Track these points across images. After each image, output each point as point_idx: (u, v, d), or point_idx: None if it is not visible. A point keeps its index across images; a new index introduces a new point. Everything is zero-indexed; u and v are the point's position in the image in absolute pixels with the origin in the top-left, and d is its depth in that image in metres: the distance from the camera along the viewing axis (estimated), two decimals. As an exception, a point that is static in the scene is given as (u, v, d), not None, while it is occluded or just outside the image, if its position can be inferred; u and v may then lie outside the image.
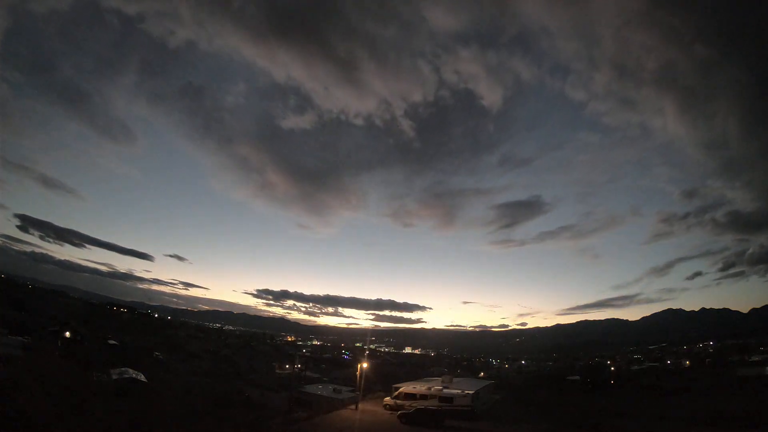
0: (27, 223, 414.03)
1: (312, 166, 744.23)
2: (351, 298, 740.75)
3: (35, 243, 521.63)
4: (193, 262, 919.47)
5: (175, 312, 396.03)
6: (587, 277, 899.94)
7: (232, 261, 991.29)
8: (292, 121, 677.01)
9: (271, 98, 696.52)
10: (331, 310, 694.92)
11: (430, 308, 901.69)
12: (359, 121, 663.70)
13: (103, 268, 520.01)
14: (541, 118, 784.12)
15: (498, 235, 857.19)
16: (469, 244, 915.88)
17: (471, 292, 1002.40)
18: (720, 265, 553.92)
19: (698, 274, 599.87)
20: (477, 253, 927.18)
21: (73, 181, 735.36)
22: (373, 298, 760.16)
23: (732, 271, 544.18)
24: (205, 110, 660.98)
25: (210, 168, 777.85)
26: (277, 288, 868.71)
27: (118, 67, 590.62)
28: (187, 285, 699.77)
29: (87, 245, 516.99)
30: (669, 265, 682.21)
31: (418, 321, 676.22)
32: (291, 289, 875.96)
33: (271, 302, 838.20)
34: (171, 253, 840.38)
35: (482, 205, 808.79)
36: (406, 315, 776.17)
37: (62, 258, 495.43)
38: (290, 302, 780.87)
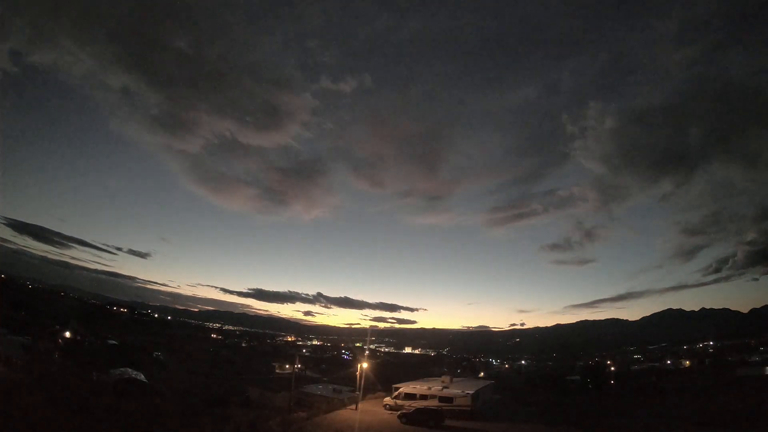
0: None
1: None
2: (307, 294, 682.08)
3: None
4: (157, 256, 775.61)
5: (176, 312, 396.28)
6: (594, 269, 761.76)
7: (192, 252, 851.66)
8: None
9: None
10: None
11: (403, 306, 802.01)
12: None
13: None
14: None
15: (506, 195, 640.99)
16: (464, 216, 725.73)
17: (466, 287, 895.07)
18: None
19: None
20: (473, 231, 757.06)
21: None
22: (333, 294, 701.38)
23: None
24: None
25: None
26: (245, 287, 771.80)
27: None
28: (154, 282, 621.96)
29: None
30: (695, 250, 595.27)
31: (400, 320, 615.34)
32: (263, 287, 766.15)
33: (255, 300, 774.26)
34: (136, 249, 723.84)
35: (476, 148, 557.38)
36: (383, 314, 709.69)
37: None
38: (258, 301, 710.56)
